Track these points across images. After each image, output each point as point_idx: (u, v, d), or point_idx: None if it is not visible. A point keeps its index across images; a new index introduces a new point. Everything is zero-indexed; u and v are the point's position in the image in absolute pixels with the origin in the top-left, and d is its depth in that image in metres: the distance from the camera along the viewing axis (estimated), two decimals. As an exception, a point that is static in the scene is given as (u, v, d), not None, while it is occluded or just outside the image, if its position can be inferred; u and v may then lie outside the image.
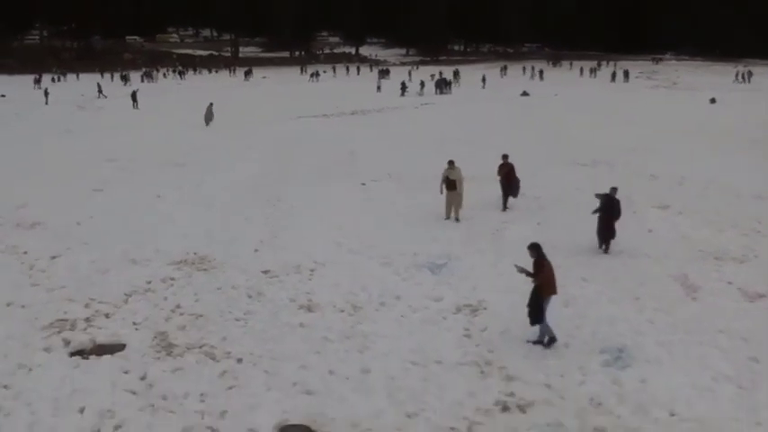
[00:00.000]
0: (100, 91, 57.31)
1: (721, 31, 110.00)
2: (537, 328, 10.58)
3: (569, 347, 10.48)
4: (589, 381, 9.53)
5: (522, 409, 8.88)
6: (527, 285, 11.11)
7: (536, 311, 10.42)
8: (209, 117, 37.55)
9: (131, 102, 47.78)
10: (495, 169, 18.60)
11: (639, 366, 9.89)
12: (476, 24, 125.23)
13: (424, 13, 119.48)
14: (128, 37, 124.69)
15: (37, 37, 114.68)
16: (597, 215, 14.75)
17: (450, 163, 17.27)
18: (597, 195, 15.03)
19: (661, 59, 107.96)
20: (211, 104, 38.27)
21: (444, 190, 17.37)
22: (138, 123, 39.54)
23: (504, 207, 18.49)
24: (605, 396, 9.13)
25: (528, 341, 10.66)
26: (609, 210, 14.63)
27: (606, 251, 14.82)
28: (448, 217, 17.55)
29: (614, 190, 14.86)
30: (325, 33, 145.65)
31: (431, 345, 10.67)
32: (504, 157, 18.55)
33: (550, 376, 9.64)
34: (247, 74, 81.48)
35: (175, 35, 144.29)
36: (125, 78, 73.38)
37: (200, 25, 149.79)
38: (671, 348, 10.46)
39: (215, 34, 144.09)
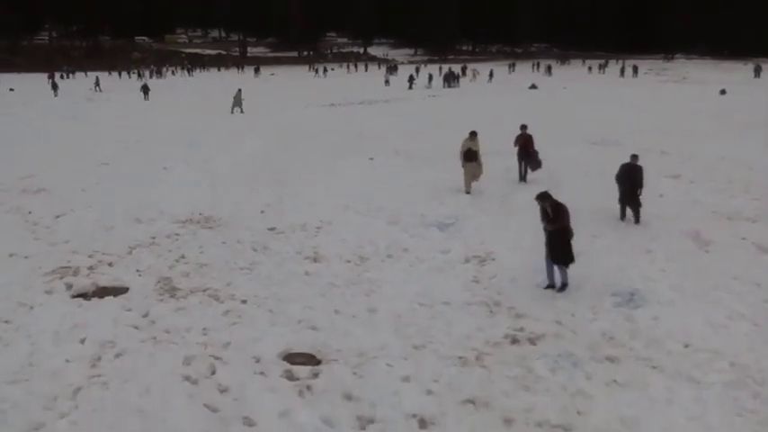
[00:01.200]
0: (97, 84, 57.15)
1: (729, 31, 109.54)
2: (547, 274, 10.39)
3: (580, 290, 10.26)
4: (601, 318, 9.34)
5: (532, 341, 8.67)
6: (536, 240, 11.02)
7: (567, 252, 10.21)
8: (237, 102, 37.39)
9: (142, 94, 47.74)
10: (511, 143, 18.29)
11: (652, 306, 9.68)
12: (485, 24, 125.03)
13: (433, 12, 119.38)
14: (137, 37, 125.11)
15: (46, 38, 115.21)
16: (618, 185, 14.04)
17: (473, 134, 16.88)
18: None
19: (672, 58, 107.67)
20: (240, 90, 38.18)
21: (464, 162, 16.73)
22: (147, 112, 39.50)
23: (521, 178, 18.11)
24: (618, 331, 8.92)
25: (538, 286, 10.46)
26: (629, 178, 13.77)
27: (637, 221, 13.87)
28: (469, 191, 16.83)
29: (635, 157, 13.92)
30: (333, 34, 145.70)
31: (438, 288, 10.49)
32: (523, 127, 18.18)
33: (561, 314, 9.44)
34: (256, 70, 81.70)
35: (184, 36, 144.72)
36: (139, 74, 73.73)
37: (209, 26, 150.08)
38: (684, 292, 10.25)
39: (223, 35, 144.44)
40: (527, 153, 18.01)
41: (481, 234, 13.35)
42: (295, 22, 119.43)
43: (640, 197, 13.88)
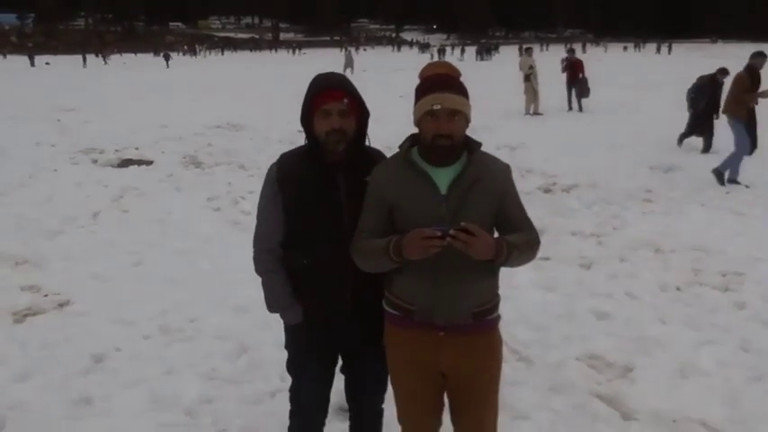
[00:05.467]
0: (104, 58, 59.09)
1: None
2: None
3: (614, 162, 9.90)
4: (638, 178, 8.95)
5: (565, 190, 8.34)
6: (573, 132, 10.64)
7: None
8: (348, 62, 37.36)
9: (164, 61, 49.13)
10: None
11: (690, 169, 9.25)
12: (519, 9, 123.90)
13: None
14: (170, 23, 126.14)
15: (82, 23, 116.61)
16: (689, 104, 11.21)
17: (529, 50, 16.21)
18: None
19: (715, 41, 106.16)
20: (349, 51, 38.31)
21: (531, 80, 15.72)
22: (169, 71, 39.86)
23: (570, 107, 16.78)
24: (655, 185, 8.50)
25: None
26: (708, 96, 10.65)
27: (706, 150, 10.61)
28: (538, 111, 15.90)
29: (723, 72, 10.59)
30: (365, 20, 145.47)
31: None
32: (570, 51, 17.40)
33: (595, 177, 9.05)
34: (294, 48, 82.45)
35: (217, 22, 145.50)
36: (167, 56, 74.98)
37: (242, 12, 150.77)
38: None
39: (256, 21, 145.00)
40: (576, 79, 16.66)
41: (513, 132, 13.00)
42: (328, 7, 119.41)
43: (716, 119, 10.59)
